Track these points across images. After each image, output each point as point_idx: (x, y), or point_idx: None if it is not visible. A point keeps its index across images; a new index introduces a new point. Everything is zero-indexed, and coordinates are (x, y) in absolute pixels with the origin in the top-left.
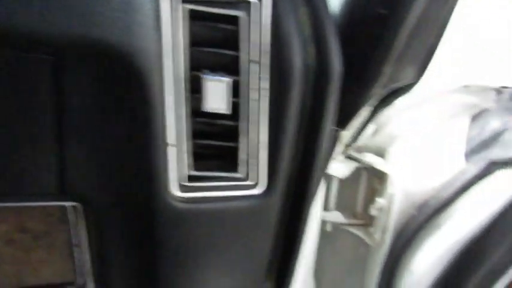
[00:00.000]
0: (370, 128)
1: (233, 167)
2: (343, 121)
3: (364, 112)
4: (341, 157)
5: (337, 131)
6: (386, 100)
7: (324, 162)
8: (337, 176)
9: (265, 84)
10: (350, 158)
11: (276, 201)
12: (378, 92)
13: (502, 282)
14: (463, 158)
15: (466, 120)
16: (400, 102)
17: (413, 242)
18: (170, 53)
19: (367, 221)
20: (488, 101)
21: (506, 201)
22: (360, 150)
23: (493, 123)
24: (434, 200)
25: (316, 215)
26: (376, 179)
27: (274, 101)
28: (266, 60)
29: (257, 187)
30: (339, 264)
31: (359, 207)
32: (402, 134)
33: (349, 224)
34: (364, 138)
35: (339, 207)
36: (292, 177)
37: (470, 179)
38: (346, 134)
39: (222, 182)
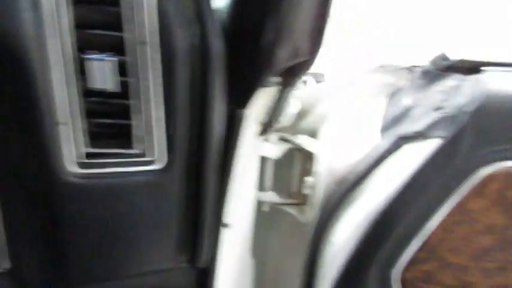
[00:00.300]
0: (294, 108)
1: (129, 144)
2: (242, 100)
3: (271, 92)
4: (274, 139)
5: (237, 109)
6: (288, 79)
7: (221, 138)
8: (270, 157)
9: (156, 64)
10: (283, 139)
11: (178, 176)
12: (271, 71)
13: (408, 253)
14: (379, 134)
15: (383, 99)
16: (328, 84)
17: (333, 216)
18: (55, 35)
19: (301, 200)
20: (402, 80)
21: (410, 173)
22: (294, 132)
23: (405, 101)
24: (352, 175)
25: (250, 195)
26: (307, 159)
27: (166, 79)
28: (155, 40)
29: (156, 163)
30: (279, 243)
31: (294, 187)
32: (330, 114)
33: (284, 204)
34: (297, 120)
35: (276, 188)
36: (192, 153)
37: (382, 154)
38: (256, 114)
39: (121, 158)
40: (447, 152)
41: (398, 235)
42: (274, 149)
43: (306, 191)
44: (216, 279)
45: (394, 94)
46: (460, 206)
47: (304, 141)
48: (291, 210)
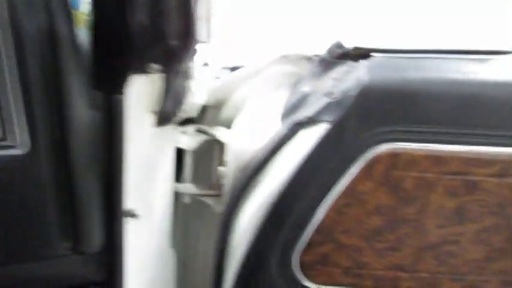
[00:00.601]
0: (200, 98)
1: None
2: (115, 87)
3: (156, 79)
4: (191, 130)
5: (112, 96)
6: (168, 66)
7: (88, 124)
8: (187, 148)
9: (9, 50)
10: (200, 131)
11: (44, 161)
12: (138, 56)
13: (305, 237)
14: (279, 121)
15: (286, 89)
16: (240, 73)
17: (237, 204)
18: None
19: (219, 191)
20: (303, 69)
21: (302, 159)
22: (213, 123)
23: (303, 88)
24: (253, 162)
25: (165, 186)
26: (223, 150)
27: (20, 65)
28: (6, 28)
29: (18, 147)
30: (199, 234)
31: (214, 179)
32: (242, 104)
33: (202, 195)
34: (215, 111)
35: (197, 179)
36: (57, 139)
37: (280, 140)
38: (144, 102)
39: None
40: (334, 136)
41: (294, 220)
42: (190, 141)
43: (222, 181)
44: (125, 269)
45: (296, 83)
46: (350, 188)
47: (220, 132)
48: (209, 201)
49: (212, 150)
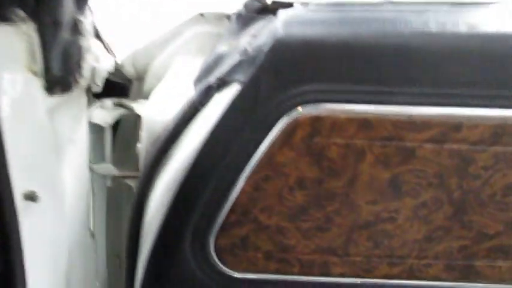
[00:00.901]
0: (103, 64)
1: None
2: None
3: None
4: (109, 104)
5: None
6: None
7: None
8: (103, 124)
9: None
10: (120, 105)
11: None
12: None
13: (220, 217)
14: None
15: (206, 50)
16: (157, 39)
17: (150, 181)
18: None
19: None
20: (222, 28)
21: (212, 127)
22: (138, 96)
23: (220, 48)
24: (164, 134)
25: (77, 167)
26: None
27: None
28: None
29: None
30: (120, 219)
31: (135, 157)
32: (162, 76)
33: (123, 176)
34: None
35: (121, 160)
36: None
37: (191, 107)
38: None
39: None
40: (247, 98)
41: (207, 198)
42: (107, 115)
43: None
44: (27, 257)
45: (216, 43)
46: (268, 159)
47: (139, 105)
48: (131, 183)
49: (134, 126)
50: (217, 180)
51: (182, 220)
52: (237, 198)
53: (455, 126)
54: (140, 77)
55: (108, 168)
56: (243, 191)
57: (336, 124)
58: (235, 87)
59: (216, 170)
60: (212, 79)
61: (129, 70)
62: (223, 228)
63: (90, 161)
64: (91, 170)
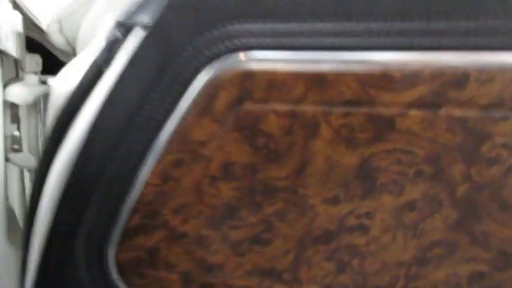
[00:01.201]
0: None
1: None
2: None
3: None
4: (33, 80)
5: None
6: None
7: None
8: (20, 103)
9: None
10: (44, 82)
11: None
12: None
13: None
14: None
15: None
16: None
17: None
18: None
19: None
20: None
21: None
22: None
23: None
24: (63, 107)
25: None
26: None
27: None
28: None
29: None
30: None
31: None
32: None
33: None
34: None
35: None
36: None
37: (93, 67)
38: None
39: None
40: (152, 49)
41: (102, 192)
42: (25, 93)
43: None
44: None
45: None
46: (181, 137)
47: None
48: None
49: None
50: (114, 168)
51: (72, 222)
52: (141, 193)
53: (458, 80)
54: (70, 48)
55: (26, 158)
56: (148, 183)
57: (276, 82)
58: (137, 34)
59: (112, 154)
60: (113, 27)
61: (56, 38)
62: (125, 235)
63: (6, 149)
64: (7, 159)
